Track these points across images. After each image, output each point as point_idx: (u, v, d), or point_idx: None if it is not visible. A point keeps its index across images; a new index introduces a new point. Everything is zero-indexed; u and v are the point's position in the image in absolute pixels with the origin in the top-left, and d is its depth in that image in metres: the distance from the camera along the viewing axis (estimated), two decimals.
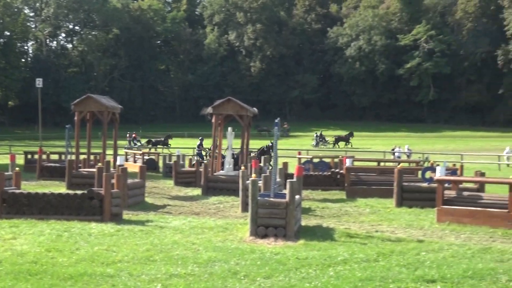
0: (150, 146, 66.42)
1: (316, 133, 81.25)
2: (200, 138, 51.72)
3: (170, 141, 67.04)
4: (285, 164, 31.21)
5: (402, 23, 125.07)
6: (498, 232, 16.64)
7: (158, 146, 65.68)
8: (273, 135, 17.58)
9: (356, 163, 34.63)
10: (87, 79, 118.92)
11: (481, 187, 22.10)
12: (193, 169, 33.00)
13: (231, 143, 29.42)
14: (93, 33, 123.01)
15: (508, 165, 51.30)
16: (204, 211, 21.81)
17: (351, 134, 77.90)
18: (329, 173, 30.52)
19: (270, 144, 37.16)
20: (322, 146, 76.11)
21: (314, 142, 77.87)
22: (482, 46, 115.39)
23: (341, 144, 75.98)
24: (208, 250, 13.47)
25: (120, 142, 73.04)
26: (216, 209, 22.38)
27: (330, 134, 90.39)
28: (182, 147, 55.98)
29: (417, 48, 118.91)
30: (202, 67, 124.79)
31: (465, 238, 15.90)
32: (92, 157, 33.80)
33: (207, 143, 49.66)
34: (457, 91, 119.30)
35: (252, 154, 35.04)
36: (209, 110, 29.12)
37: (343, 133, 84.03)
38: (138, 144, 69.54)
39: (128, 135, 73.73)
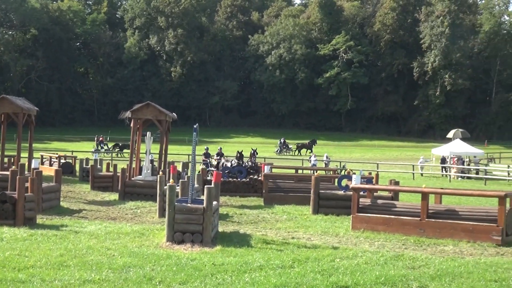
0: (117, 150, 65.38)
1: (280, 140, 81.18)
2: (206, 147, 51.40)
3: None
4: (204, 170, 31.18)
5: (322, 33, 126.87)
6: (411, 239, 17.00)
7: (125, 150, 64.81)
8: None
9: (275, 170, 34.90)
10: (3, 80, 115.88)
11: (395, 195, 22.53)
12: (111, 173, 32.56)
13: (149, 148, 29.18)
14: (10, 33, 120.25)
15: (421, 174, 52.54)
16: (120, 216, 21.53)
17: (313, 142, 78.03)
18: (248, 179, 30.61)
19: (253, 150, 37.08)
20: (285, 153, 76.24)
21: (277, 149, 77.83)
22: (399, 58, 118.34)
23: (303, 151, 76.27)
24: (124, 255, 13.30)
25: (86, 146, 71.81)
26: (133, 214, 22.13)
27: (249, 141, 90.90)
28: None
29: (336, 58, 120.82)
30: (122, 70, 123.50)
31: (379, 245, 16.17)
32: (6, 159, 32.95)
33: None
34: (374, 101, 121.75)
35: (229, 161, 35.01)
36: (128, 114, 28.81)
37: (267, 140, 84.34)
38: (105, 147, 68.17)
39: (95, 138, 72.43)
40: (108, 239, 15.58)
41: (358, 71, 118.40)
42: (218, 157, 41.32)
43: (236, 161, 33.85)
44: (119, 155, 62.74)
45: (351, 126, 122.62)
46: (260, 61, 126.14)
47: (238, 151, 35.16)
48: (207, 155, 46.20)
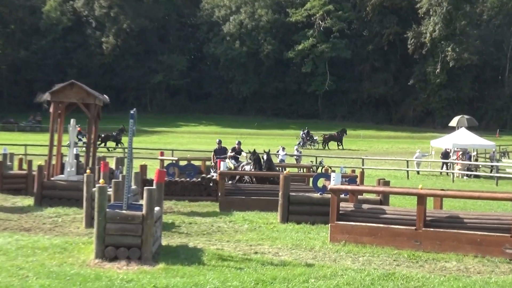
0: (99, 143, 65.49)
1: (302, 130, 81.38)
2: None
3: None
4: (143, 167, 30.96)
5: None
6: (404, 254, 17.07)
7: (109, 142, 65.10)
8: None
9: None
10: None
11: (385, 198, 22.60)
12: (24, 172, 32.23)
13: (73, 139, 28.94)
14: None
15: (418, 172, 52.89)
16: (37, 226, 21.34)
17: (343, 132, 78.61)
18: (199, 179, 30.48)
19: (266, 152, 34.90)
20: (310, 147, 76.43)
21: (299, 142, 77.92)
22: (390, 26, 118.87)
23: (332, 144, 76.88)
24: (40, 277, 13.18)
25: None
26: (52, 223, 21.94)
27: (202, 131, 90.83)
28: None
29: (311, 26, 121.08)
30: (39, 41, 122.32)
31: (364, 261, 16.23)
32: None
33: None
34: (359, 80, 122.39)
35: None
36: (46, 96, 28.47)
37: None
38: (84, 139, 67.95)
39: None
40: (21, 256, 15.44)
41: (338, 42, 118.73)
42: (232, 154, 37.17)
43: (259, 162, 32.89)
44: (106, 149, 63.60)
45: (329, 112, 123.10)
46: (215, 29, 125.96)
47: (265, 151, 33.65)
48: (237, 151, 38.18)
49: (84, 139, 67.45)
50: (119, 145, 66.79)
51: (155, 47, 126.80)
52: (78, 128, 69.67)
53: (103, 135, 67.29)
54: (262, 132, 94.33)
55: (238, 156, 36.33)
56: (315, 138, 79.46)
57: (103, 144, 66.20)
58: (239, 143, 37.32)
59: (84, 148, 61.16)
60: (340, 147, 76.77)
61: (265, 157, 32.27)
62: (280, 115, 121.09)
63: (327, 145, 77.32)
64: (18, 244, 17.07)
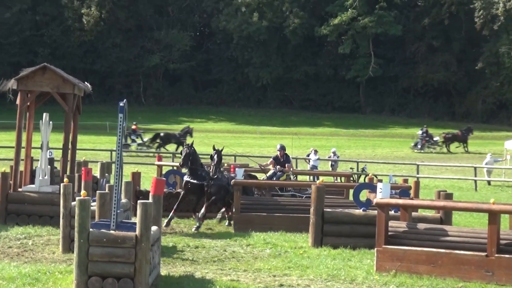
0: (157, 144, 66.51)
1: (421, 129, 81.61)
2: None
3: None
4: (136, 176, 30.95)
5: None
6: (471, 287, 17.05)
7: (171, 143, 66.17)
8: None
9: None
10: None
11: (446, 216, 22.55)
12: None
13: (47, 139, 28.92)
14: None
15: (489, 182, 52.51)
16: (1, 251, 21.42)
17: (469, 131, 79.42)
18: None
19: None
20: (429, 149, 76.86)
21: (416, 143, 78.27)
22: None
23: (454, 145, 77.95)
24: None
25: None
26: (21, 247, 21.99)
27: (210, 129, 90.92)
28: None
29: None
30: (2, 13, 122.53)
31: None
32: None
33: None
34: (412, 64, 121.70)
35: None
36: (12, 84, 28.51)
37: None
38: (139, 141, 68.48)
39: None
40: None
41: (385, 15, 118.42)
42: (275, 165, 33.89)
43: None
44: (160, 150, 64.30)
45: (374, 104, 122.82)
46: None
47: (215, 149, 31.41)
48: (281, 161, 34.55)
49: (139, 140, 68.09)
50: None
51: (150, 21, 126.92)
52: (134, 126, 70.79)
53: (162, 134, 67.79)
54: (286, 131, 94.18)
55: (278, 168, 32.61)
56: (435, 138, 79.57)
57: (157, 145, 67.24)
58: (282, 149, 33.31)
59: (139, 153, 62.21)
60: (465, 149, 77.29)
61: (215, 158, 30.19)
62: (311, 108, 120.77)
63: (448, 146, 77.73)
64: None
